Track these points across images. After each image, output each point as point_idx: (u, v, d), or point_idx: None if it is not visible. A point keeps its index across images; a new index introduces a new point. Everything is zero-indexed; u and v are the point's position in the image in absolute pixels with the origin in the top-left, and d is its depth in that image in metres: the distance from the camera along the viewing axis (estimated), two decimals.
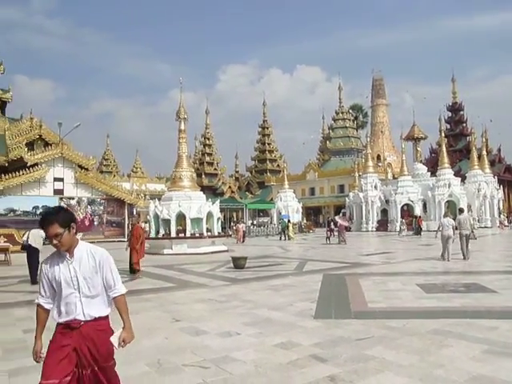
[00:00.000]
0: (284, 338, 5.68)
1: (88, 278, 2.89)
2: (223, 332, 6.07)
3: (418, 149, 54.21)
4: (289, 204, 46.45)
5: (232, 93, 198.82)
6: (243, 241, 29.92)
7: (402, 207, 40.81)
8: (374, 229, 42.29)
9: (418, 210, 39.42)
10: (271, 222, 44.43)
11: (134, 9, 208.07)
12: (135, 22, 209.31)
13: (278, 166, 68.15)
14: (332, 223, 28.62)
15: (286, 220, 33.75)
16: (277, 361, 4.81)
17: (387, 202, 42.24)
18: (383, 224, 41.82)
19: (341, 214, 34.23)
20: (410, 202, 40.75)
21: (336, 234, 26.61)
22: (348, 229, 30.04)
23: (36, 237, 11.63)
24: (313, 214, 50.50)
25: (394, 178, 50.94)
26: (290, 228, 32.21)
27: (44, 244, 11.48)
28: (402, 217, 39.40)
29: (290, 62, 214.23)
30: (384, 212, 43.10)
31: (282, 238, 31.85)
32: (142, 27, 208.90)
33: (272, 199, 54.31)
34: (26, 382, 4.35)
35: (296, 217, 45.10)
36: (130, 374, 4.47)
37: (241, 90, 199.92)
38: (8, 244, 19.10)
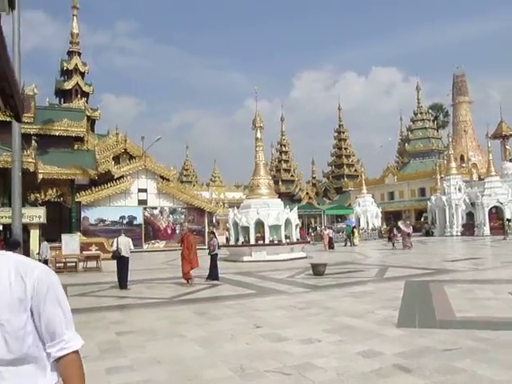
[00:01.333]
0: (365, 346, 5.58)
1: (4, 322, 1.40)
2: (304, 339, 6.08)
3: (507, 147, 50.81)
4: (367, 209, 45.40)
5: (307, 99, 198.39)
6: (330, 247, 27.78)
7: (490, 210, 38.37)
8: (459, 233, 40.10)
9: (508, 213, 36.86)
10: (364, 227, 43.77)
11: (210, 23, 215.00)
12: (211, 35, 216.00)
13: (356, 170, 66.87)
14: (395, 229, 27.85)
15: (352, 226, 33.11)
16: (359, 369, 4.74)
17: (473, 204, 39.88)
18: (469, 228, 39.52)
19: (403, 220, 32.96)
20: (499, 204, 38.18)
21: (400, 239, 25.90)
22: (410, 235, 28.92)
23: (123, 244, 12.33)
24: (393, 219, 48.89)
25: (479, 179, 48.05)
26: (356, 234, 31.60)
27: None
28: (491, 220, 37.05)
29: (364, 64, 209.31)
30: (469, 215, 40.75)
31: (348, 243, 31.29)
32: (218, 40, 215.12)
33: (350, 204, 53.39)
34: (120, 378, 4.65)
35: (375, 222, 43.99)
36: (215, 377, 4.63)
37: (315, 95, 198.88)
38: (99, 252, 20.46)
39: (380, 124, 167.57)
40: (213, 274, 13.37)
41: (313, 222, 47.99)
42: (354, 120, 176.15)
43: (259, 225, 21.90)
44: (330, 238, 28.44)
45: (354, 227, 32.67)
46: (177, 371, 4.87)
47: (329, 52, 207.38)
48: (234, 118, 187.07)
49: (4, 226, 18.11)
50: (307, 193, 58.84)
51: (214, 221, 40.64)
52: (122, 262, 12.23)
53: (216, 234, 34.50)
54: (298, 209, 25.42)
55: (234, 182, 60.74)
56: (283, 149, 66.51)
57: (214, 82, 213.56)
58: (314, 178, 75.10)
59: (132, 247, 12.23)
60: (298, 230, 23.52)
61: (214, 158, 71.11)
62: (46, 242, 17.50)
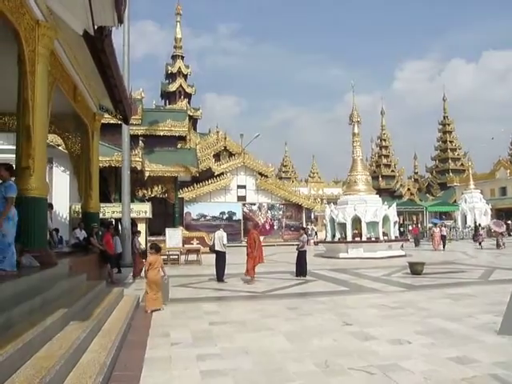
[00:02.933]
0: (460, 351, 5.31)
1: None
2: (393, 339, 5.93)
3: None
4: (475, 206, 42.42)
5: (409, 91, 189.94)
6: (441, 246, 25.42)
7: None
8: None
9: None
10: (455, 226, 41.13)
11: (309, 21, 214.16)
12: (310, 32, 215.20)
13: (462, 164, 62.69)
14: (480, 228, 25.76)
15: (437, 224, 31.00)
16: (449, 375, 4.53)
17: None
18: None
19: (495, 219, 30.18)
20: None
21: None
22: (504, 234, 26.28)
23: (217, 239, 12.82)
24: (504, 217, 45.02)
25: None
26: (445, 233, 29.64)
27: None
28: None
29: (474, 49, 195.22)
30: None
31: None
32: (317, 36, 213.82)
33: (455, 201, 50.24)
34: (209, 365, 4.91)
35: (484, 220, 40.93)
36: (299, 370, 4.71)
37: (419, 86, 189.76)
38: (199, 246, 21.47)
39: (491, 114, 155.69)
40: (302, 271, 13.41)
41: (414, 219, 45.86)
42: (462, 111, 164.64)
43: (356, 221, 21.51)
44: (443, 237, 26.14)
45: (441, 225, 30.53)
46: (262, 362, 5.02)
47: (433, 40, 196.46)
48: (334, 114, 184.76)
49: (116, 220, 19.68)
50: (409, 189, 56.27)
51: (313, 217, 40.57)
52: (219, 256, 12.74)
53: (313, 229, 34.48)
54: (397, 205, 24.54)
55: (333, 177, 60.16)
56: (383, 143, 64.31)
57: (313, 78, 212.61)
58: (416, 173, 71.72)
59: (225, 242, 12.63)
60: (412, 227, 22.70)
61: (313, 154, 70.68)
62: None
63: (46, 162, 8.21)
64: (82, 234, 12.81)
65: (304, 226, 30.84)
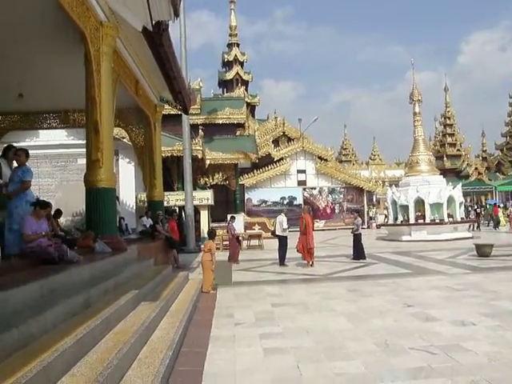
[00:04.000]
0: None
1: None
2: (456, 320, 5.86)
3: None
4: None
5: (476, 64, 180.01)
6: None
7: None
8: None
9: None
10: None
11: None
12: (365, 11, 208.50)
13: None
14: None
15: (494, 205, 29.33)
16: None
17: None
18: None
19: None
20: None
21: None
22: None
23: (278, 223, 13.01)
24: None
25: None
26: (500, 213, 28.08)
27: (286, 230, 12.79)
28: None
29: None
30: None
31: (491, 224, 28.00)
32: (372, 14, 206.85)
33: None
34: (271, 343, 5.12)
35: None
36: (359, 349, 4.80)
37: (487, 58, 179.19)
38: (261, 231, 21.80)
39: None
40: (359, 254, 13.36)
41: (483, 199, 43.81)
42: None
43: (419, 203, 20.94)
44: None
45: (499, 206, 28.80)
46: (323, 341, 5.16)
47: (503, 5, 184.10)
48: (395, 93, 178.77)
49: (179, 207, 20.39)
50: (476, 168, 53.65)
51: (374, 200, 39.88)
52: (280, 241, 12.95)
53: (376, 212, 33.82)
54: (463, 186, 23.63)
55: (395, 159, 58.49)
56: (448, 121, 61.46)
57: (372, 57, 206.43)
58: (484, 151, 68.06)
59: (285, 226, 12.78)
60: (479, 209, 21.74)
61: (373, 136, 69.06)
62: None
63: (113, 154, 8.73)
64: (148, 221, 13.47)
65: (359, 209, 30.42)
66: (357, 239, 13.57)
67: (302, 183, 33.26)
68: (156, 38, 8.78)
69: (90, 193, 8.00)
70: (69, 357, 3.30)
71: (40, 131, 15.61)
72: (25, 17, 7.37)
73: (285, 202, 32.50)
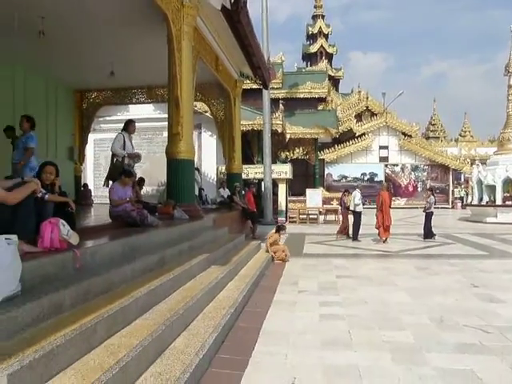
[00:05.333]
0: None
1: None
2: None
3: None
4: None
5: None
6: None
7: None
8: None
9: None
10: None
11: None
12: None
13: None
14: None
15: None
16: None
17: None
18: None
19: None
20: None
21: None
22: None
23: (353, 199, 13.08)
24: None
25: None
26: None
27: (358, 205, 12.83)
28: None
29: None
30: None
31: None
32: None
33: None
34: (329, 310, 5.40)
35: None
36: (412, 322, 4.95)
37: None
38: (338, 206, 21.86)
39: None
40: (428, 233, 13.09)
41: None
42: None
43: (508, 183, 19.78)
44: None
45: None
46: (379, 312, 5.36)
47: None
48: (493, 65, 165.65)
49: (258, 180, 20.93)
50: None
51: (462, 179, 37.97)
52: (354, 216, 13.04)
53: (463, 191, 32.27)
54: None
55: (489, 136, 54.81)
56: None
57: (470, 24, 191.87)
58: None
59: (357, 202, 12.81)
60: None
61: (465, 111, 64.90)
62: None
63: (192, 128, 9.29)
64: (225, 192, 14.14)
65: (434, 187, 29.14)
66: (428, 218, 13.27)
67: (383, 159, 32.52)
68: (234, 15, 9.11)
69: (170, 164, 8.65)
70: (142, 304, 3.85)
71: (130, 106, 16.73)
72: (114, 5, 8.04)
73: (365, 178, 32.07)
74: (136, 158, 7.82)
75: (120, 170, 7.16)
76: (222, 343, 4.11)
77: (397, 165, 32.73)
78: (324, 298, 6.09)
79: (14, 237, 3.07)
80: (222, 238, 8.73)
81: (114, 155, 7.78)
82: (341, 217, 15.49)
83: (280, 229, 9.95)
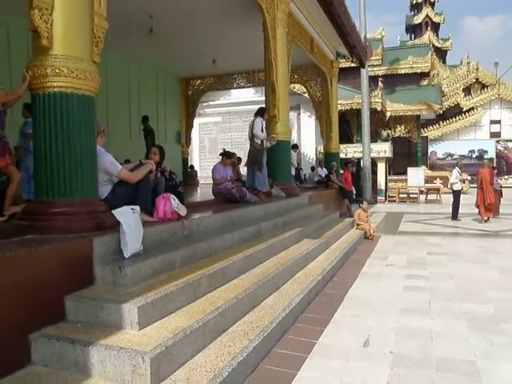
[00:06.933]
0: None
1: None
2: None
3: None
4: None
5: None
6: None
7: None
8: None
9: None
10: None
11: None
12: None
13: None
14: None
15: None
16: None
17: None
18: None
19: None
20: None
21: None
22: None
23: (452, 178, 12.73)
24: None
25: None
26: None
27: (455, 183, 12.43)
28: None
29: None
30: None
31: None
32: None
33: None
34: (413, 282, 5.64)
35: None
36: (496, 297, 5.04)
37: None
38: (440, 185, 21.15)
39: None
40: None
41: None
42: None
43: None
44: None
45: None
46: (463, 286, 5.50)
47: None
48: None
49: (358, 159, 20.90)
50: None
51: None
52: (453, 194, 12.72)
53: None
54: None
55: None
56: None
57: None
58: None
59: (453, 180, 12.43)
60: None
61: None
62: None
63: (288, 110, 9.78)
64: (323, 171, 14.50)
65: None
66: None
67: (495, 135, 30.29)
68: None
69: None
70: (239, 267, 4.47)
71: (232, 90, 17.63)
72: (215, 0, 8.73)
73: (474, 156, 30.23)
74: (272, 139, 8.52)
75: (258, 152, 8.19)
76: (308, 305, 4.63)
77: (510, 140, 30.39)
78: (411, 271, 6.31)
79: (137, 207, 3.84)
80: (316, 214, 9.18)
81: (252, 138, 8.42)
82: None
83: (360, 202, 10.28)
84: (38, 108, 3.63)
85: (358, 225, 9.68)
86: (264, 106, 8.94)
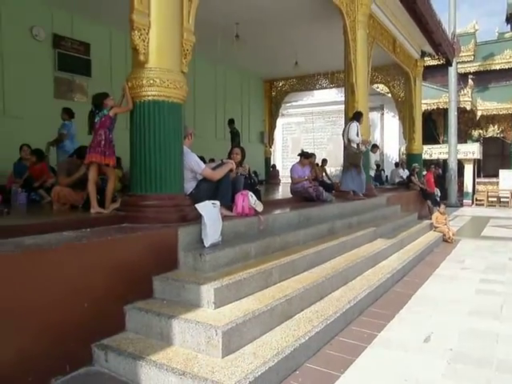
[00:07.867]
0: None
1: None
2: None
3: None
4: None
5: None
6: None
7: None
8: None
9: None
10: None
11: None
12: None
13: None
14: None
15: None
16: None
17: None
18: None
19: None
20: None
21: None
22: None
23: None
24: None
25: None
26: None
27: None
28: None
29: None
30: None
31: None
32: None
33: None
34: (486, 286, 5.59)
35: None
36: None
37: None
38: None
39: None
40: None
41: None
42: None
43: None
44: None
45: None
46: None
47: None
48: None
49: (444, 161, 20.17)
50: None
51: None
52: None
53: None
54: None
55: None
56: None
57: None
58: None
59: None
60: None
61: None
62: None
63: (367, 111, 9.87)
64: (404, 172, 14.30)
65: None
66: None
67: None
68: None
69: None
70: (309, 261, 4.79)
71: (314, 91, 17.85)
72: (296, 6, 9.07)
73: None
74: (367, 143, 8.79)
75: (355, 155, 8.42)
76: (375, 301, 4.82)
77: None
78: (487, 276, 6.22)
79: (217, 202, 4.30)
80: (392, 215, 9.21)
81: (348, 142, 8.59)
82: None
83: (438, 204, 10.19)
84: (136, 114, 4.20)
85: (435, 227, 9.55)
86: (359, 110, 8.87)
